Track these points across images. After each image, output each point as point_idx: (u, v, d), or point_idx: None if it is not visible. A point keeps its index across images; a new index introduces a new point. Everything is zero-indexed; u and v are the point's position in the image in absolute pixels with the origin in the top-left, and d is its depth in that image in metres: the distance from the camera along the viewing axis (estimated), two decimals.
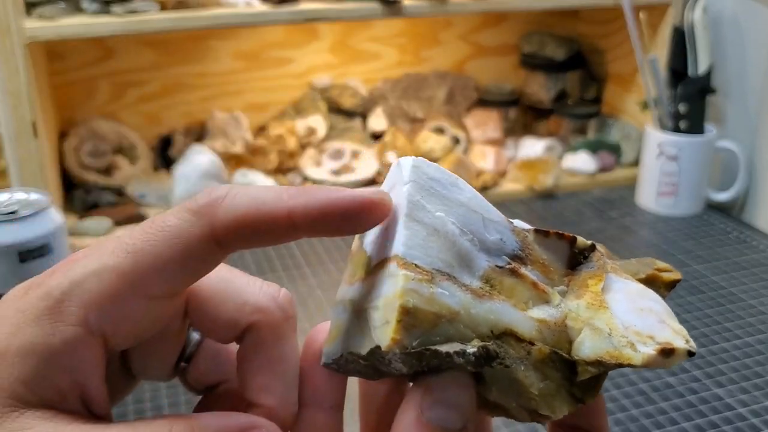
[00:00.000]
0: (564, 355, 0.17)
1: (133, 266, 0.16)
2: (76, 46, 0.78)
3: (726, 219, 0.76)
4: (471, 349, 0.15)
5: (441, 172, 0.18)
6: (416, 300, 0.15)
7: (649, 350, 0.16)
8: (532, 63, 0.93)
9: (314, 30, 0.87)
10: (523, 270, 0.17)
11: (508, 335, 0.16)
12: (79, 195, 0.74)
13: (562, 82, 0.93)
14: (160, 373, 0.20)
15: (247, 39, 0.84)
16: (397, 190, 0.17)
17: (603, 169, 0.85)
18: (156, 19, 0.65)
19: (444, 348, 0.15)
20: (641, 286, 0.19)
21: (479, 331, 0.16)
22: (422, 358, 0.15)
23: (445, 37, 0.92)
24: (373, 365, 0.16)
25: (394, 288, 0.15)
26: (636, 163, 0.85)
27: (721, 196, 0.78)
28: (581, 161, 0.84)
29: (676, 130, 0.77)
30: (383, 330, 0.15)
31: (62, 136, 0.78)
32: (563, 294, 0.18)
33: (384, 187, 0.18)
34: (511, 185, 0.82)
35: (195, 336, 0.20)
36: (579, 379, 0.17)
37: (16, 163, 0.65)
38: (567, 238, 0.19)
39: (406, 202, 0.17)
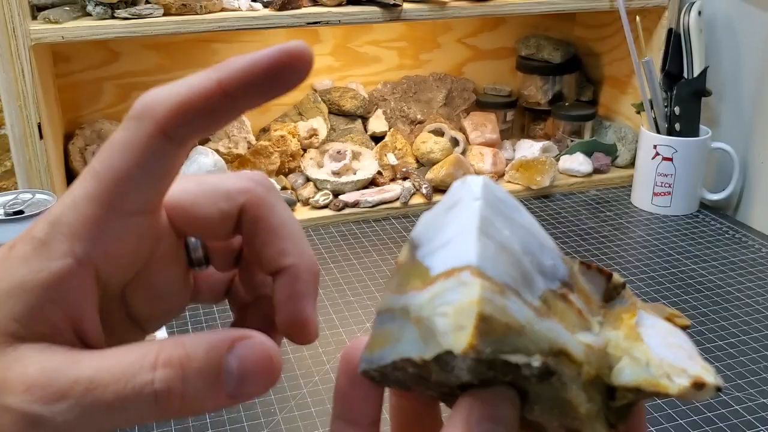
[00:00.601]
0: (605, 379, 0.18)
1: (101, 187, 0.16)
2: (81, 49, 0.79)
3: (720, 219, 0.77)
4: (536, 362, 0.16)
5: (506, 194, 0.19)
6: (491, 309, 0.16)
7: (683, 382, 0.17)
8: (529, 66, 0.94)
9: (316, 34, 0.88)
10: (570, 296, 0.18)
11: (562, 354, 0.17)
12: None
13: (559, 84, 0.94)
14: (182, 300, 0.20)
15: (250, 43, 0.85)
16: (464, 205, 0.18)
17: (599, 170, 0.86)
18: (160, 22, 0.66)
19: (514, 358, 0.16)
20: (669, 325, 0.20)
21: (540, 347, 0.16)
22: (492, 366, 0.16)
23: (444, 41, 0.94)
24: (421, 374, 0.17)
25: (468, 296, 0.16)
26: (631, 164, 0.86)
27: (716, 197, 0.79)
28: (577, 162, 0.86)
29: (671, 131, 0.78)
30: (457, 335, 0.15)
31: (68, 137, 0.79)
32: (601, 324, 0.19)
33: (445, 202, 0.19)
34: (508, 186, 0.83)
35: (193, 240, 0.20)
36: (616, 405, 0.18)
37: (21, 164, 0.66)
38: (605, 273, 0.20)
39: (479, 216, 0.17)
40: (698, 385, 0.17)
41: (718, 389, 0.18)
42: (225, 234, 0.20)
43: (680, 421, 0.47)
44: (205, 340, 0.16)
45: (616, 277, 0.20)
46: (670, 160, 0.77)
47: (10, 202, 0.51)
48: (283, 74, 0.17)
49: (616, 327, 0.19)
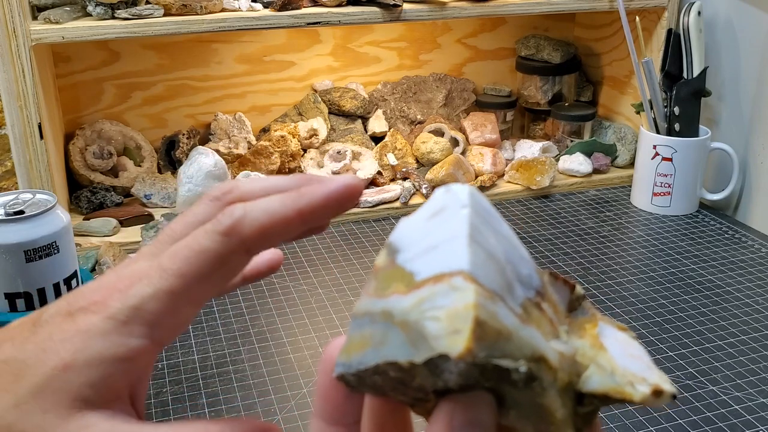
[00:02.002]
0: (576, 386, 0.18)
1: (184, 286, 0.19)
2: (81, 49, 0.79)
3: (720, 219, 0.77)
4: (523, 368, 0.16)
5: (489, 204, 0.19)
6: (484, 314, 0.16)
7: (645, 390, 0.18)
8: (528, 66, 0.94)
9: (316, 34, 0.88)
10: (543, 305, 0.19)
11: (542, 361, 0.17)
12: (84, 195, 0.75)
13: (559, 84, 0.94)
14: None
15: (251, 43, 0.85)
16: (450, 212, 0.19)
17: (598, 170, 0.87)
18: (160, 22, 0.66)
19: (505, 363, 0.16)
20: (625, 335, 0.21)
21: (524, 353, 0.17)
22: (483, 371, 0.16)
23: (443, 41, 0.94)
24: (403, 379, 0.17)
25: (463, 300, 0.16)
26: (631, 164, 0.86)
27: (715, 197, 0.79)
28: (577, 162, 0.86)
29: (671, 131, 0.78)
30: (452, 339, 0.16)
31: (68, 137, 0.79)
32: (567, 333, 0.20)
33: (427, 209, 0.19)
34: (508, 186, 0.83)
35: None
36: (584, 410, 0.19)
37: (22, 164, 0.66)
38: (569, 284, 0.21)
39: (468, 224, 0.18)
40: (657, 393, 0.18)
41: (674, 397, 0.19)
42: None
43: (680, 421, 0.47)
44: (246, 426, 0.18)
45: (578, 289, 0.21)
46: (670, 160, 0.77)
47: (11, 203, 0.51)
48: (345, 204, 0.20)
49: (581, 336, 0.20)
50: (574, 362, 0.19)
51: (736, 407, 0.48)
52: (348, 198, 0.20)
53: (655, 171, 0.78)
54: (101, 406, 0.18)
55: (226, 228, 0.19)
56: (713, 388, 0.50)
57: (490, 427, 0.17)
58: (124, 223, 0.72)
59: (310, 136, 0.83)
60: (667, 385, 0.19)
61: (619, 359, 0.19)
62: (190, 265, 0.19)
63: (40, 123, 0.65)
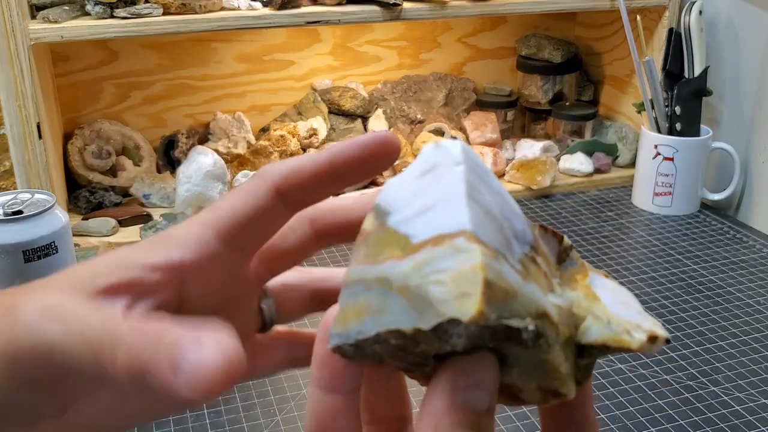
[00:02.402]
0: (575, 339, 0.18)
1: (213, 215, 0.19)
2: (80, 49, 0.79)
3: (721, 219, 0.77)
4: (531, 326, 0.16)
5: (480, 159, 0.19)
6: (492, 274, 0.15)
7: (641, 337, 0.18)
8: (529, 65, 0.94)
9: (316, 33, 0.87)
10: (538, 259, 0.18)
11: (545, 317, 0.17)
12: (83, 195, 0.75)
13: (559, 84, 0.94)
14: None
15: (250, 42, 0.85)
16: (443, 170, 0.18)
17: (599, 170, 0.86)
18: (159, 22, 0.66)
19: (515, 323, 0.16)
20: (614, 283, 0.20)
21: (528, 311, 0.16)
22: (494, 333, 0.16)
23: (444, 40, 0.93)
24: (405, 346, 0.16)
25: (469, 262, 0.15)
26: (632, 164, 0.86)
27: (717, 197, 0.79)
28: (578, 162, 0.85)
29: (672, 131, 0.77)
30: (462, 302, 0.15)
31: (67, 137, 0.79)
32: (560, 286, 0.19)
33: (417, 168, 0.19)
34: (509, 186, 0.83)
35: (268, 302, 0.22)
36: (584, 362, 0.18)
37: (21, 164, 0.65)
38: (558, 236, 0.21)
39: (464, 181, 0.17)
40: (652, 339, 0.18)
41: (667, 341, 0.18)
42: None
43: (681, 422, 0.47)
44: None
45: (566, 240, 0.21)
46: (671, 160, 0.77)
47: (9, 202, 0.51)
48: (378, 155, 0.20)
49: (574, 288, 0.19)
50: (571, 315, 0.18)
51: (738, 408, 0.48)
52: (380, 147, 0.20)
53: (657, 171, 0.78)
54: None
55: (259, 171, 0.20)
56: (714, 388, 0.50)
57: (492, 388, 0.16)
58: (122, 223, 0.72)
59: (310, 136, 0.83)
60: (661, 330, 0.18)
61: (612, 308, 0.19)
62: (223, 200, 0.20)
63: (38, 123, 0.65)
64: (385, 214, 0.18)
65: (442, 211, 0.17)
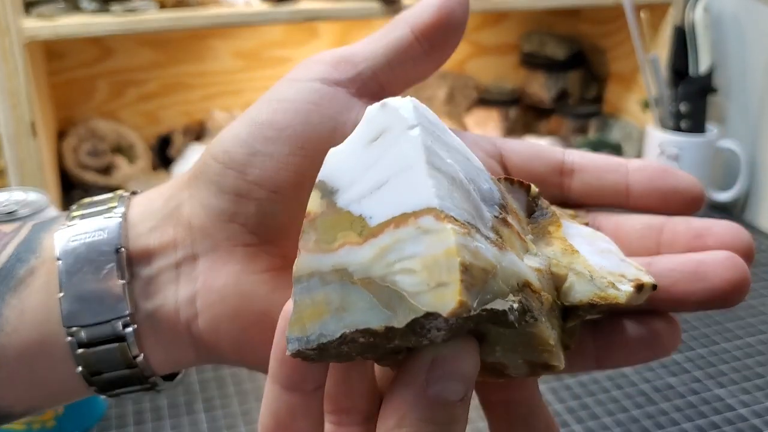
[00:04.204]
0: (561, 302, 0.16)
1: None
2: (74, 46, 0.78)
3: (727, 219, 0.76)
4: (516, 304, 0.14)
5: (434, 115, 0.16)
6: (467, 256, 0.13)
7: (628, 288, 0.16)
8: (532, 62, 0.93)
9: (314, 29, 0.86)
10: (509, 219, 0.16)
11: (526, 287, 0.15)
12: (77, 195, 0.74)
13: (563, 81, 0.93)
14: None
15: (247, 38, 0.84)
16: (394, 135, 0.15)
17: None
18: (155, 18, 0.65)
19: (498, 306, 0.14)
20: (589, 229, 0.19)
21: (510, 285, 0.14)
22: (479, 321, 0.14)
23: None
24: (376, 343, 0.14)
25: (440, 245, 0.13)
26: None
27: (722, 196, 0.78)
28: None
29: (677, 129, 0.76)
30: (438, 294, 0.13)
31: (61, 135, 0.78)
32: (533, 242, 0.17)
33: (361, 135, 0.16)
34: None
35: None
36: (568, 325, 0.17)
37: (14, 163, 0.65)
38: (525, 185, 0.18)
39: (422, 148, 0.15)
40: (639, 288, 0.17)
41: (654, 287, 0.17)
42: None
43: (682, 425, 0.46)
44: None
45: (533, 188, 0.18)
46: (676, 158, 0.76)
47: (3, 203, 0.50)
48: (455, 18, 0.21)
49: (548, 243, 0.17)
50: (551, 275, 0.16)
51: (741, 411, 0.47)
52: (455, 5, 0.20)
53: None
54: None
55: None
56: (717, 391, 0.49)
57: (470, 377, 0.14)
58: None
59: None
60: (647, 277, 0.17)
61: (592, 258, 0.17)
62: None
63: (32, 121, 0.64)
64: (332, 192, 0.16)
65: (401, 185, 0.14)
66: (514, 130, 0.95)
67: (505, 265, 0.14)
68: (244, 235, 0.19)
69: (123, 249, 0.19)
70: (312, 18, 0.69)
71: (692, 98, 0.75)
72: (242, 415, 0.47)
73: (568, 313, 0.17)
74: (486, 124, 0.88)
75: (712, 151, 0.77)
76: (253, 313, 0.19)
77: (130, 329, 0.19)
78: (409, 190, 0.14)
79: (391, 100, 0.16)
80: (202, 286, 0.19)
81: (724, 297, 0.18)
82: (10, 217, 0.49)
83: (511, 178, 0.18)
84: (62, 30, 0.63)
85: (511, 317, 0.14)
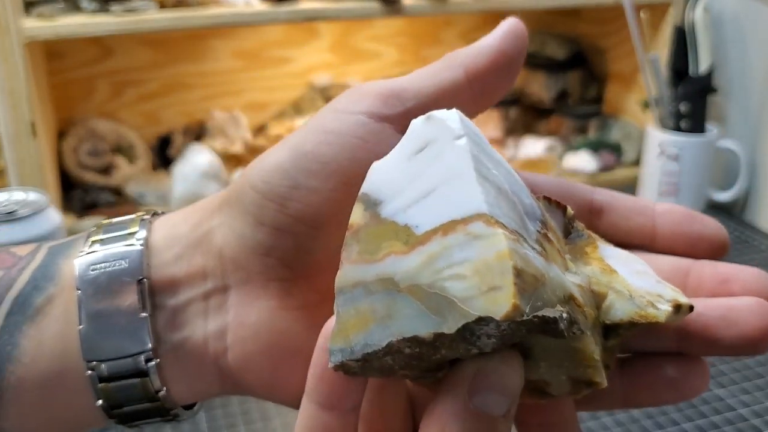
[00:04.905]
0: (603, 320, 0.16)
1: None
2: (74, 46, 0.78)
3: (727, 219, 0.76)
4: (565, 314, 0.14)
5: (476, 128, 0.17)
6: (519, 261, 0.13)
7: (667, 308, 0.16)
8: (532, 62, 0.93)
9: (314, 29, 0.86)
10: (550, 235, 0.16)
11: (572, 300, 0.15)
12: (77, 195, 0.74)
13: (563, 81, 0.93)
14: None
15: (247, 38, 0.84)
16: (441, 146, 0.16)
17: (604, 169, 0.85)
18: (155, 18, 0.65)
19: (551, 313, 0.13)
20: (625, 251, 0.19)
21: (558, 296, 0.14)
22: (530, 327, 0.13)
23: (445, 37, 0.92)
24: (421, 354, 0.14)
25: (492, 249, 0.13)
26: (637, 162, 0.85)
27: (723, 196, 0.78)
28: (582, 161, 0.84)
29: (678, 129, 0.76)
30: (491, 297, 0.13)
31: (61, 135, 0.78)
32: (572, 262, 0.17)
33: (407, 146, 0.16)
34: None
35: None
36: (609, 344, 0.17)
37: (14, 163, 0.65)
38: (561, 206, 0.19)
39: (470, 157, 0.15)
40: (677, 308, 0.17)
41: (691, 308, 0.17)
42: None
43: (682, 425, 0.46)
44: None
45: (569, 210, 0.19)
46: (676, 158, 0.76)
47: (3, 203, 0.50)
48: (513, 52, 0.21)
49: (587, 262, 0.17)
50: (592, 293, 0.16)
51: (741, 411, 0.47)
52: (513, 40, 0.20)
53: (662, 169, 0.76)
54: None
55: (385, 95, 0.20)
56: (717, 391, 0.49)
57: (515, 392, 0.14)
58: None
59: None
60: (683, 298, 0.17)
61: (630, 279, 0.17)
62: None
63: (32, 121, 0.64)
64: (376, 204, 0.16)
65: (448, 193, 0.14)
66: (514, 130, 0.95)
67: (552, 275, 0.14)
68: (280, 269, 0.18)
69: (145, 280, 0.19)
70: (312, 18, 0.69)
71: (692, 98, 0.75)
72: (242, 414, 0.47)
73: (608, 331, 0.17)
74: (486, 124, 0.88)
75: (712, 151, 0.76)
76: (287, 351, 0.19)
77: (152, 363, 0.18)
78: (458, 197, 0.14)
79: (436, 112, 0.16)
80: (233, 321, 0.19)
81: (754, 344, 0.18)
82: (10, 217, 0.49)
83: (549, 198, 0.18)
84: (62, 30, 0.63)
85: (562, 326, 0.14)
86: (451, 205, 0.14)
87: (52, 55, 0.77)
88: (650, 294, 0.17)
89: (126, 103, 0.82)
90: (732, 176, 0.79)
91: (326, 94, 0.87)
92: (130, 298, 0.18)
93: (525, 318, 0.13)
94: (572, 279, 0.16)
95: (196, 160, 0.72)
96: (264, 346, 0.18)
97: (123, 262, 0.19)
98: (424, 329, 0.14)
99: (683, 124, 0.76)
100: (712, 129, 0.77)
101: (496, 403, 0.14)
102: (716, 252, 0.20)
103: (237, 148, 0.80)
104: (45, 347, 0.18)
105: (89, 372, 0.18)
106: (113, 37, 0.78)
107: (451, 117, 0.16)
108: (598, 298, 0.17)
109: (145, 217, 0.20)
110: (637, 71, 0.87)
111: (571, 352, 0.15)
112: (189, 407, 0.20)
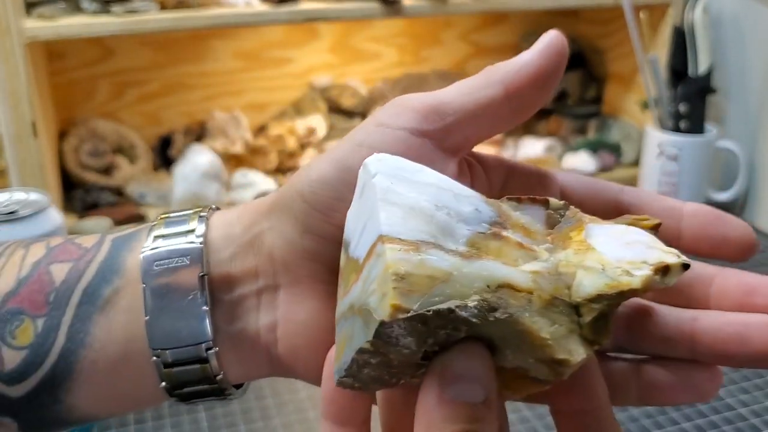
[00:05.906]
0: (565, 299, 0.17)
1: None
2: (75, 46, 0.78)
3: None
4: (472, 302, 0.16)
5: (405, 162, 0.19)
6: (406, 266, 0.16)
7: (645, 272, 0.17)
8: None
9: (314, 30, 0.87)
10: (504, 233, 0.18)
11: (504, 288, 0.16)
12: (78, 195, 0.74)
13: (562, 81, 0.93)
14: None
15: (247, 39, 0.84)
16: (367, 187, 0.18)
17: (603, 169, 0.85)
18: (156, 18, 0.65)
19: (445, 305, 0.15)
20: (624, 226, 0.19)
21: (476, 288, 0.16)
22: (427, 322, 0.15)
23: (445, 37, 0.92)
24: (383, 360, 0.16)
25: (384, 263, 0.16)
26: (636, 162, 0.85)
27: (722, 196, 0.78)
28: (581, 161, 0.84)
29: (677, 129, 0.76)
30: (383, 303, 0.15)
31: (62, 136, 0.78)
32: (550, 251, 0.18)
33: (356, 193, 0.19)
34: None
35: None
36: (586, 321, 0.17)
37: (15, 163, 0.65)
38: (540, 201, 0.20)
39: (378, 190, 0.17)
40: (662, 270, 0.17)
41: (686, 266, 0.17)
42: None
43: (682, 425, 0.46)
44: None
45: (554, 201, 0.20)
46: (676, 158, 0.76)
47: (4, 203, 0.50)
48: (551, 65, 0.21)
49: (565, 247, 0.19)
50: (558, 276, 0.17)
51: (740, 410, 0.47)
52: (551, 55, 0.21)
53: (661, 169, 0.76)
54: None
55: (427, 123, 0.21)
56: (719, 392, 0.49)
57: (485, 378, 0.16)
58: (118, 223, 0.71)
59: (309, 135, 0.82)
60: (673, 258, 0.17)
61: (612, 252, 0.18)
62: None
63: (33, 121, 0.64)
64: (347, 245, 0.19)
65: (370, 225, 0.17)
66: (513, 130, 0.95)
67: (467, 271, 0.16)
68: (326, 273, 0.20)
69: (206, 276, 0.20)
70: (312, 18, 0.70)
71: (691, 98, 0.75)
72: (242, 413, 0.47)
73: (582, 308, 0.17)
74: None
75: (711, 152, 0.77)
76: (331, 344, 0.20)
77: (211, 351, 0.20)
78: (372, 226, 0.17)
79: (368, 159, 0.19)
80: (282, 317, 0.20)
81: (766, 361, 0.18)
82: (11, 217, 0.49)
83: (518, 197, 0.20)
84: (63, 30, 0.63)
85: (464, 314, 0.16)
86: (371, 234, 0.17)
87: (53, 55, 0.78)
88: (633, 263, 0.17)
89: (127, 103, 0.82)
90: (731, 176, 0.79)
91: (326, 95, 0.87)
92: (192, 293, 0.20)
93: (413, 314, 0.15)
94: (529, 267, 0.17)
95: (197, 160, 0.72)
96: (310, 342, 0.20)
97: (185, 259, 0.20)
98: (363, 340, 0.16)
99: (682, 124, 0.76)
100: (711, 129, 0.77)
101: (468, 390, 0.15)
102: (742, 254, 0.21)
103: (237, 148, 0.80)
104: (113, 335, 0.20)
105: (155, 358, 0.20)
106: (114, 37, 0.78)
107: (371, 161, 0.18)
108: (567, 279, 0.18)
109: (203, 213, 0.22)
110: (637, 72, 0.87)
111: (519, 335, 0.16)
112: (238, 386, 0.22)
